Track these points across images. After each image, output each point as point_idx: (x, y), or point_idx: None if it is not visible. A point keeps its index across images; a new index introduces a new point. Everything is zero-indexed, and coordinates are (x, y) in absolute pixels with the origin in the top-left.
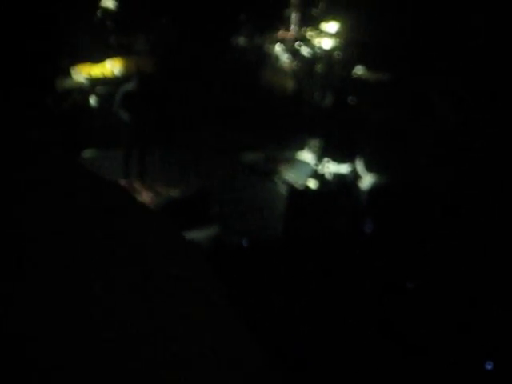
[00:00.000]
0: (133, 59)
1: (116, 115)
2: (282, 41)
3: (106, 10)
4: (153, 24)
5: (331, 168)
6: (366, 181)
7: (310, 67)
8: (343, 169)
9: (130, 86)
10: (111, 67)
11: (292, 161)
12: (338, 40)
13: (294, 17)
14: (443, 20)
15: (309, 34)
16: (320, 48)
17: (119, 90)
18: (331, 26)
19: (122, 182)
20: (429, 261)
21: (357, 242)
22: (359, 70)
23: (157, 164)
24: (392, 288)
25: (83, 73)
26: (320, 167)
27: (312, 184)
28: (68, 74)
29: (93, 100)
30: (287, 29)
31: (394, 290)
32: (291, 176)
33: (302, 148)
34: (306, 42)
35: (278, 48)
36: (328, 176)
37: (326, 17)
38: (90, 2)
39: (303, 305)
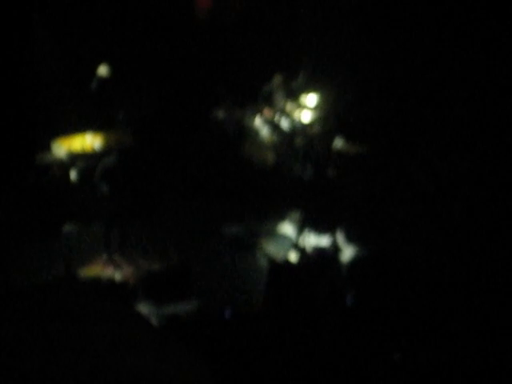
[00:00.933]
0: (113, 133)
1: (96, 189)
2: (261, 114)
3: (101, 79)
4: (133, 98)
5: (312, 241)
6: (347, 253)
7: (290, 140)
8: (323, 241)
9: (110, 160)
10: (91, 141)
11: (273, 233)
12: (317, 113)
13: (274, 90)
14: (421, 94)
15: (288, 107)
16: (299, 121)
17: (99, 163)
18: (310, 99)
19: (103, 255)
20: (414, 331)
21: (339, 315)
22: (339, 143)
23: (138, 237)
24: (378, 360)
25: (63, 147)
26: (300, 240)
27: (293, 257)
28: (48, 149)
29: (73, 174)
30: (267, 102)
31: (381, 362)
32: (272, 249)
33: (282, 221)
34: (286, 114)
35: (258, 121)
36: (308, 249)
37: (305, 90)
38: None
39: (286, 378)
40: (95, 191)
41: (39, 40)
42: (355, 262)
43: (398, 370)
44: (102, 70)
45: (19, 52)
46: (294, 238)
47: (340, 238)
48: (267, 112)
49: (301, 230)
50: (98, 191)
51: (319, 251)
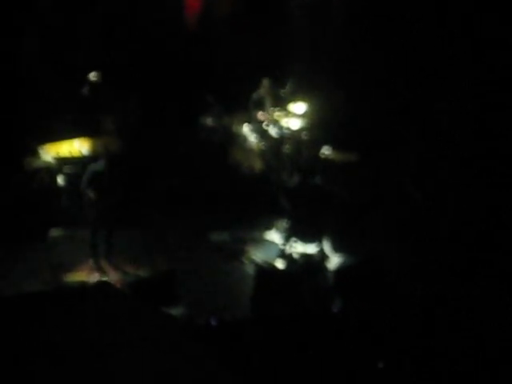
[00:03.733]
0: (101, 139)
1: (83, 195)
2: (250, 121)
3: (92, 84)
4: (121, 104)
5: (298, 248)
6: (333, 260)
7: (278, 147)
8: (310, 249)
9: (97, 166)
10: (79, 147)
11: (259, 241)
12: (305, 120)
13: (262, 98)
14: (408, 103)
15: (276, 114)
16: (287, 128)
17: (87, 169)
18: (298, 107)
19: (90, 261)
20: (398, 340)
21: (325, 322)
22: (326, 151)
23: (124, 243)
24: (363, 368)
25: (51, 152)
26: (287, 247)
27: (279, 264)
28: (36, 154)
29: (60, 179)
30: (256, 109)
31: (365, 370)
32: (259, 256)
33: (269, 228)
34: (274, 122)
35: (246, 128)
36: (295, 256)
37: (294, 98)
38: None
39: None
40: (82, 197)
41: (29, 43)
42: (342, 269)
43: (381, 377)
44: (93, 76)
45: (7, 57)
46: (281, 246)
47: (327, 245)
48: (255, 119)
49: (288, 237)
50: (85, 197)
51: (306, 258)
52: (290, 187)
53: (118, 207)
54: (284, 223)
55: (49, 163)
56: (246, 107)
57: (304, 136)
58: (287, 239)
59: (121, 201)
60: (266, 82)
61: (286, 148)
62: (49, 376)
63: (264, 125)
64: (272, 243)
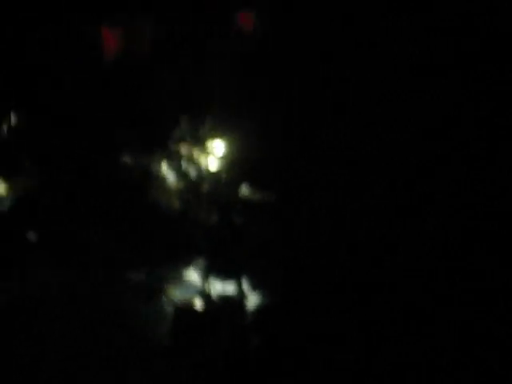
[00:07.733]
0: (19, 179)
1: None
2: (169, 159)
3: (10, 125)
4: (39, 142)
5: (217, 287)
6: (252, 300)
7: (196, 187)
8: (229, 288)
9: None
10: None
11: (178, 280)
12: (224, 160)
13: (182, 136)
14: (330, 144)
15: (195, 153)
16: (206, 167)
17: None
18: (217, 146)
19: None
20: (318, 380)
21: (242, 361)
22: (245, 190)
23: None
24: None
25: None
26: (206, 286)
27: (198, 303)
28: None
29: None
30: (176, 148)
31: None
32: (177, 295)
33: (187, 267)
34: (192, 161)
35: (165, 167)
36: (213, 295)
37: (212, 136)
38: None
39: None
40: None
41: None
42: (260, 309)
43: None
44: (12, 118)
45: None
46: (199, 285)
47: (245, 284)
48: (175, 157)
49: (206, 276)
50: None
51: (224, 298)
52: (208, 226)
53: (30, 247)
54: (203, 262)
55: None
56: (164, 145)
57: (222, 176)
58: (205, 278)
59: (32, 238)
60: (184, 120)
61: (205, 187)
62: None
63: (183, 163)
64: (190, 282)
